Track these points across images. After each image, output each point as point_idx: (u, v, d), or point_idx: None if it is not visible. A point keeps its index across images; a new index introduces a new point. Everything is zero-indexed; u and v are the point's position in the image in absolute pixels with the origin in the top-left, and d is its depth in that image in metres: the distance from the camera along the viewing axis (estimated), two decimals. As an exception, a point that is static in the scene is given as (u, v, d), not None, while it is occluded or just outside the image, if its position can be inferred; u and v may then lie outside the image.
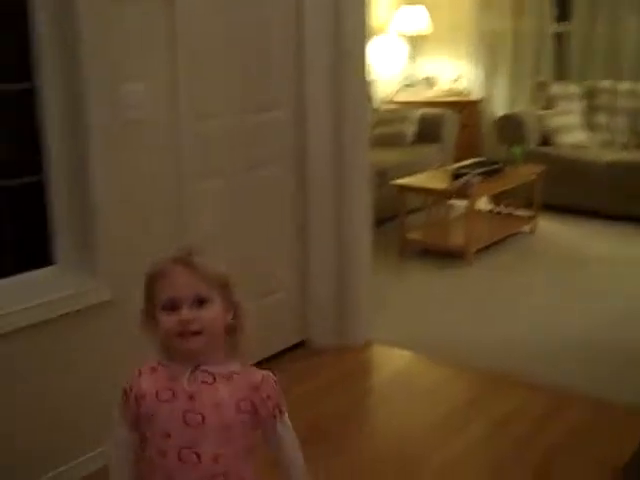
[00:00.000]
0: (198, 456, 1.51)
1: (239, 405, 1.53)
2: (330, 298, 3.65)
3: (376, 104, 6.52)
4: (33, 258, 2.63)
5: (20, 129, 2.62)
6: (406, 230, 5.05)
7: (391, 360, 3.65)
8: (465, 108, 6.99)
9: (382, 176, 5.46)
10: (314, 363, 3.53)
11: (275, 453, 1.63)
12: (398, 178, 5.21)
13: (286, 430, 1.62)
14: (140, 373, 1.58)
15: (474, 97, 7.20)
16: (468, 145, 6.84)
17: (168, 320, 1.49)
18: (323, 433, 2.93)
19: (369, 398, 3.39)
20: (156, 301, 1.52)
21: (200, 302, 1.50)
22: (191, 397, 1.51)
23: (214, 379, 1.53)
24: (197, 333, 1.49)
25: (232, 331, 1.57)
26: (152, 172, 2.76)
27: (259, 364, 3.36)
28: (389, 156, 5.75)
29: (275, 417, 1.59)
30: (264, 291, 3.46)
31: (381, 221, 5.42)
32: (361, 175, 3.62)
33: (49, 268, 2.64)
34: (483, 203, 5.64)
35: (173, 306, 1.49)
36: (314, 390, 3.28)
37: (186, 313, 1.49)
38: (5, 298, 2.42)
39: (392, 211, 5.22)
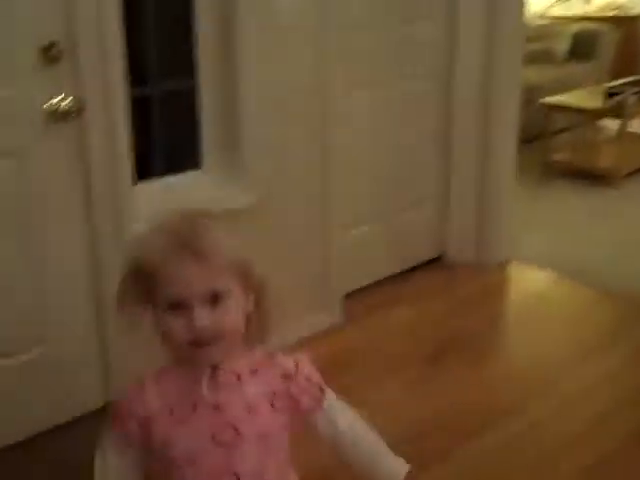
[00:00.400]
0: (237, 479, 1.20)
1: (274, 403, 1.23)
2: (470, 213, 3.60)
3: (528, 19, 6.26)
4: (182, 161, 2.73)
5: (174, 34, 2.68)
6: (552, 150, 4.89)
7: (529, 280, 3.60)
8: (624, 24, 6.59)
9: (530, 94, 5.26)
10: (450, 279, 3.52)
11: (335, 442, 1.32)
12: (547, 96, 5.01)
13: (337, 407, 1.32)
14: (143, 388, 1.21)
15: (635, 12, 6.78)
16: (626, 63, 6.46)
17: (176, 324, 1.13)
18: (455, 349, 2.94)
19: (505, 317, 3.37)
20: (157, 297, 1.14)
21: (215, 298, 1.14)
22: (216, 407, 1.19)
23: (239, 378, 1.21)
24: (214, 339, 1.15)
25: (254, 319, 1.23)
26: (298, 79, 2.77)
27: (395, 277, 3.44)
28: (539, 73, 5.52)
29: (321, 400, 1.29)
30: (404, 204, 3.46)
31: (527, 140, 5.25)
32: (510, 92, 3.52)
33: (196, 171, 2.74)
34: (637, 125, 5.35)
35: (181, 305, 1.13)
36: (448, 306, 3.28)
37: (200, 317, 1.12)
38: (153, 199, 2.53)
39: (539, 130, 5.04)
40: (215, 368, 1.19)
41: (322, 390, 1.29)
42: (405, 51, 3.24)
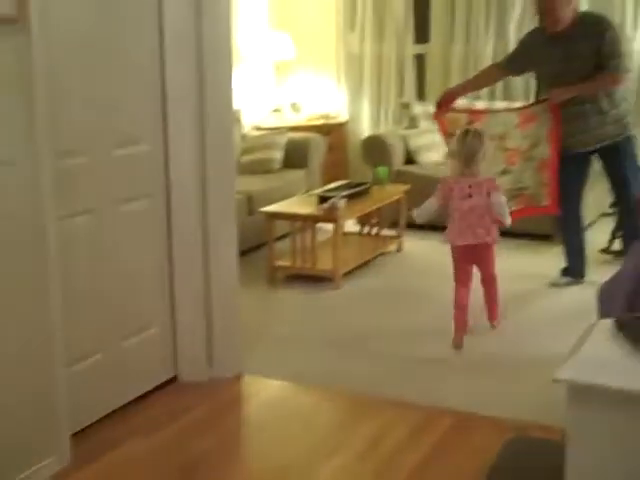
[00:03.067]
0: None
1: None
2: (200, 331, 3.65)
3: (244, 130, 6.58)
4: None
5: None
6: (275, 257, 5.10)
7: (263, 390, 3.68)
8: (332, 131, 7.13)
9: (250, 203, 5.51)
10: (186, 399, 3.52)
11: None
12: (267, 205, 5.26)
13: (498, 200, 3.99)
14: (448, 182, 4.10)
15: (340, 120, 7.35)
16: (336, 168, 6.98)
17: None
18: (198, 470, 2.94)
19: (243, 430, 3.42)
20: None
21: None
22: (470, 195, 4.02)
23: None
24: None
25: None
26: (9, 213, 2.69)
27: (128, 406, 3.37)
28: (257, 183, 5.80)
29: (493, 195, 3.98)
30: (133, 328, 3.43)
31: (251, 248, 5.46)
32: (227, 204, 3.65)
33: None
34: (351, 225, 5.76)
35: None
36: (188, 426, 3.28)
37: None
38: None
39: (262, 238, 5.26)
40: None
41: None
42: (122, 172, 3.29)
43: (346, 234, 5.50)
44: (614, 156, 4.63)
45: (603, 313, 2.60)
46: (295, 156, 6.30)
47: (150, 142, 3.43)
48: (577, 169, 4.73)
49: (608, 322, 1.36)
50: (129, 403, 3.41)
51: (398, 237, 5.73)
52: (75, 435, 3.05)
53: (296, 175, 6.19)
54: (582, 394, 1.24)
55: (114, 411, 3.33)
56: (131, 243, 3.38)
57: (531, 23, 6.53)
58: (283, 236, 5.45)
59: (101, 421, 3.25)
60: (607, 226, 5.44)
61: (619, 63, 4.50)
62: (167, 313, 3.61)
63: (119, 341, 3.37)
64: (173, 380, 3.66)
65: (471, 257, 4.07)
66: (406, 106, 6.78)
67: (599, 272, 4.28)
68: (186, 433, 3.23)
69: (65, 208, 2.99)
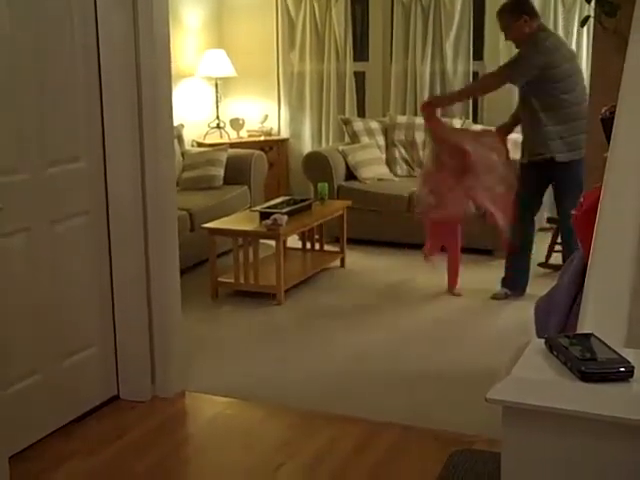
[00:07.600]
0: None
1: None
2: (141, 350, 3.60)
3: (186, 147, 6.55)
4: None
5: None
6: (217, 273, 5.08)
7: (206, 407, 3.65)
8: (273, 147, 7.13)
9: (192, 220, 5.48)
10: (128, 418, 3.47)
11: None
12: (209, 221, 5.23)
13: None
14: None
15: (282, 136, 7.37)
16: (277, 184, 6.99)
17: None
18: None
19: (185, 449, 3.37)
20: None
21: None
22: None
23: None
24: None
25: None
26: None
27: (67, 427, 3.30)
28: (199, 200, 5.77)
29: None
30: (72, 348, 3.37)
31: (194, 265, 5.42)
32: (168, 221, 3.63)
33: None
34: (294, 240, 5.77)
35: None
36: (129, 446, 3.23)
37: None
38: None
39: (204, 254, 5.23)
40: None
41: None
42: (59, 191, 3.24)
43: (289, 250, 5.51)
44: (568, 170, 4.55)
45: (539, 330, 2.64)
46: (237, 172, 6.27)
47: (88, 159, 3.39)
48: (540, 179, 4.74)
49: (540, 342, 1.39)
50: (69, 423, 3.35)
51: (341, 253, 5.74)
52: (13, 457, 2.98)
53: (238, 191, 6.17)
54: (512, 414, 1.28)
55: (54, 432, 3.26)
56: (69, 261, 3.32)
57: (467, 43, 6.72)
58: (225, 252, 5.44)
59: (40, 442, 3.18)
60: (545, 240, 5.55)
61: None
62: (108, 331, 3.56)
63: (58, 361, 3.31)
64: (114, 399, 3.60)
65: None
66: (347, 122, 6.83)
67: (539, 285, 4.35)
68: (127, 453, 3.18)
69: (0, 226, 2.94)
